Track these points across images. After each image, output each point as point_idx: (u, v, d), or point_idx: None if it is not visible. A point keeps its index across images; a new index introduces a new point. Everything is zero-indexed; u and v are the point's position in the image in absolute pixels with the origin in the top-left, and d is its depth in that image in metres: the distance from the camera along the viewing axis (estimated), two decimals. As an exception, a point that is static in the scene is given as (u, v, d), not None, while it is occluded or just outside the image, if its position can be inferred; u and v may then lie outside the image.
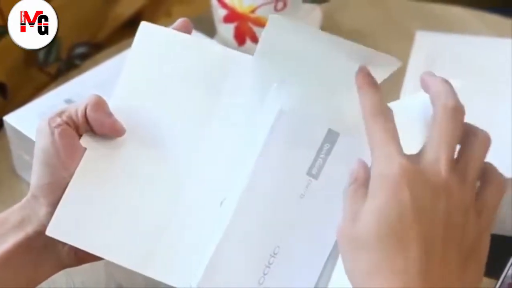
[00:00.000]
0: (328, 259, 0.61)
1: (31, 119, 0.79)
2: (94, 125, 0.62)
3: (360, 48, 0.59)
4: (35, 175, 0.62)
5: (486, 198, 0.56)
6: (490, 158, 0.72)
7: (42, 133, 0.62)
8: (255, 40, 0.89)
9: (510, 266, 0.71)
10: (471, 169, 0.55)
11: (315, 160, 0.62)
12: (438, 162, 0.54)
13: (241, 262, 0.61)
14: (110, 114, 0.63)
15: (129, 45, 0.87)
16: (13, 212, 0.62)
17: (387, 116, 0.56)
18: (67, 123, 0.61)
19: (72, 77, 0.85)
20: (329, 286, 0.61)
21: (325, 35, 0.59)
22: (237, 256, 0.61)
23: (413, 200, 0.53)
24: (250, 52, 0.65)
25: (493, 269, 0.71)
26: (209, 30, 0.90)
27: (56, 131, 0.61)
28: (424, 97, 0.59)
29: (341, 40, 0.59)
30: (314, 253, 0.61)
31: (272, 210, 0.62)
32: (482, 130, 0.57)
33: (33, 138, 0.78)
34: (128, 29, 0.99)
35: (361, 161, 0.57)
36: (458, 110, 0.56)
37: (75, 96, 0.81)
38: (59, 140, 0.61)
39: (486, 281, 0.71)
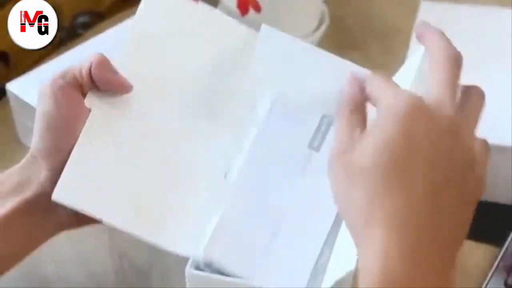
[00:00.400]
0: (330, 229, 0.61)
1: (34, 87, 0.78)
2: (99, 83, 0.61)
3: (345, 63, 0.63)
4: (36, 138, 0.61)
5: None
6: (492, 125, 0.72)
7: (44, 95, 0.61)
8: (258, 9, 0.89)
9: (514, 235, 0.71)
10: (472, 120, 0.55)
11: (315, 134, 0.62)
12: (444, 102, 0.54)
13: (245, 233, 0.61)
14: (115, 71, 0.62)
15: (131, 14, 0.86)
16: (11, 174, 0.62)
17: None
18: (70, 84, 0.61)
19: (74, 46, 0.85)
20: (332, 254, 0.61)
21: (313, 50, 0.64)
22: (242, 227, 0.61)
23: (423, 136, 0.52)
24: (254, 22, 0.65)
25: (497, 238, 0.71)
26: (213, -1, 0.90)
27: (60, 94, 0.60)
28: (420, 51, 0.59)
29: (329, 55, 0.63)
30: (316, 224, 0.61)
31: (275, 183, 0.62)
32: (476, 86, 0.57)
33: (35, 105, 0.78)
34: (130, -2, 0.99)
35: (354, 79, 0.57)
36: (458, 57, 0.56)
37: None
38: (62, 103, 0.60)
39: (490, 249, 0.71)
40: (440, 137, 0.53)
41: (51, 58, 0.85)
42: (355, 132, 0.54)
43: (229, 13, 0.87)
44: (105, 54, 0.81)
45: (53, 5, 0.88)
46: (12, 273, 0.66)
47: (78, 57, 0.81)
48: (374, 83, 0.56)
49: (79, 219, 0.62)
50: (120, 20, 0.87)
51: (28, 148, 0.81)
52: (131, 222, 0.61)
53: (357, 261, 0.51)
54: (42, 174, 0.61)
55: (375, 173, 0.51)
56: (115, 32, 0.85)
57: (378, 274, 0.49)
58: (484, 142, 0.55)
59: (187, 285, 0.62)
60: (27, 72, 0.81)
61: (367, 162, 0.52)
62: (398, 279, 0.49)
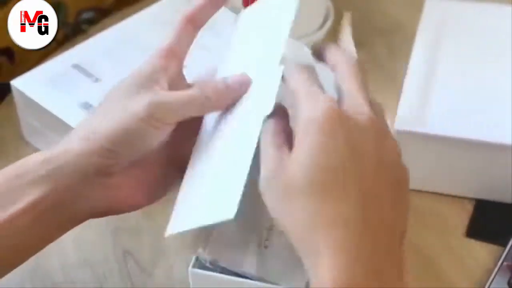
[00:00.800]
0: None
1: (38, 84, 0.79)
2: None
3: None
4: (113, 129, 0.59)
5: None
6: (492, 124, 0.72)
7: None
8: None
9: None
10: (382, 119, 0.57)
11: None
12: (360, 105, 0.55)
13: (243, 232, 0.62)
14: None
15: (136, 10, 0.87)
16: (37, 163, 0.59)
17: (311, 72, 0.58)
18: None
19: (79, 42, 0.85)
20: None
21: None
22: (239, 226, 0.62)
23: (347, 140, 0.53)
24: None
25: (500, 237, 0.71)
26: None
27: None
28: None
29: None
30: None
31: None
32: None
33: (40, 102, 0.78)
34: (135, -6, 0.99)
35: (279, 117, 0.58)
36: (358, 65, 0.59)
37: (83, 61, 0.81)
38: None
39: (493, 249, 0.71)
40: (365, 141, 0.54)
41: (56, 55, 0.84)
42: (283, 152, 0.54)
43: (234, 8, 0.87)
44: (110, 51, 0.82)
45: (57, 1, 0.89)
46: (17, 272, 0.66)
47: (83, 55, 0.82)
48: (296, 91, 0.56)
49: (111, 205, 0.61)
50: (125, 16, 0.87)
51: (32, 145, 0.81)
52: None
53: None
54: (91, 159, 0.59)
55: (309, 189, 0.52)
56: (119, 28, 0.84)
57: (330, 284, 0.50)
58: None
59: (191, 284, 0.62)
60: (32, 69, 0.81)
61: (300, 181, 0.52)
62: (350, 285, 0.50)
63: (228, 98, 0.61)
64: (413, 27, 0.83)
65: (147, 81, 0.61)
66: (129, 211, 0.62)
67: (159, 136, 0.60)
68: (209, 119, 0.63)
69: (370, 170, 0.53)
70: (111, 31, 0.85)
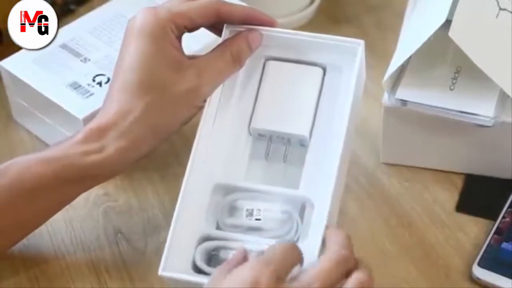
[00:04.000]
0: None
1: (27, 64, 0.79)
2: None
3: None
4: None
5: None
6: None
7: None
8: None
9: (507, 209, 0.72)
10: None
11: None
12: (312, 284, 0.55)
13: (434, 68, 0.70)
14: None
15: (124, -11, 0.86)
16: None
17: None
18: None
19: (67, 22, 0.85)
20: None
21: None
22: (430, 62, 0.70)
23: None
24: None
25: (490, 211, 0.72)
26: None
27: None
28: None
29: None
30: None
31: None
32: (359, 273, 0.57)
33: (29, 83, 0.78)
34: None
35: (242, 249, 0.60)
36: (346, 259, 0.57)
37: (71, 41, 0.80)
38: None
39: (484, 222, 0.71)
40: None
41: (44, 35, 0.84)
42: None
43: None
44: (98, 31, 0.81)
45: (45, -19, 0.88)
46: (9, 252, 0.67)
47: (71, 35, 0.82)
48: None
49: None
50: (113, -5, 0.87)
51: (22, 126, 0.81)
52: None
53: None
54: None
55: None
56: (107, 8, 0.84)
57: None
58: None
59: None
60: (21, 50, 0.81)
61: None
62: None
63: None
64: (402, 2, 0.83)
65: None
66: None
67: None
68: None
69: None
70: (99, 11, 0.84)
